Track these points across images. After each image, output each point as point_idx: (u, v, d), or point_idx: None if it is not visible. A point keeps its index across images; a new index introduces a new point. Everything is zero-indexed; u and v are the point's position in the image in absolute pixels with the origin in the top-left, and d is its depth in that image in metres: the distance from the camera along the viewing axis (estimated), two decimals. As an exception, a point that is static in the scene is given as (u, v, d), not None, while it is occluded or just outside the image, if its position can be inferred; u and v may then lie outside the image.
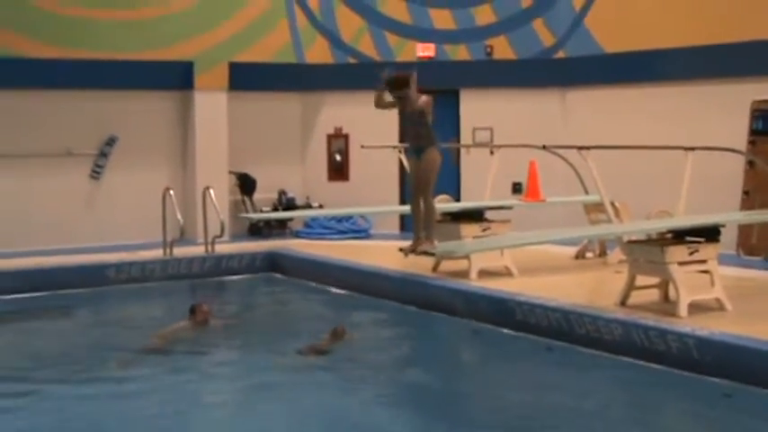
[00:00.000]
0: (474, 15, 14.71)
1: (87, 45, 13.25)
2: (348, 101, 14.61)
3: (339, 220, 14.32)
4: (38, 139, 13.09)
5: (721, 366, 7.09)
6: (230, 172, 14.23)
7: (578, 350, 8.06)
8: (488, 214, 11.03)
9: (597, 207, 10.75)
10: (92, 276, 11.34)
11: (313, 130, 15.20)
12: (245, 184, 14.41)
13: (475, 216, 10.90)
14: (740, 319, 7.99)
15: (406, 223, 14.24)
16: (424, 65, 14.56)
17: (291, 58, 14.82)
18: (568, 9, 14.14)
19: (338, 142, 15.08)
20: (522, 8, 14.52)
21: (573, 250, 11.69)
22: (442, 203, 11.24)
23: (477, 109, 14.54)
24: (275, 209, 14.56)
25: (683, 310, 8.05)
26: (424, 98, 9.96)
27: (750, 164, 11.59)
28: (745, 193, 11.87)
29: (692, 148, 9.10)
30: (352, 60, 15.00)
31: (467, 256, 10.22)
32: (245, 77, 14.20)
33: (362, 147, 13.08)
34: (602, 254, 11.54)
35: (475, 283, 9.90)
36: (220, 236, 12.18)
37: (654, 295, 8.69)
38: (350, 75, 14.80)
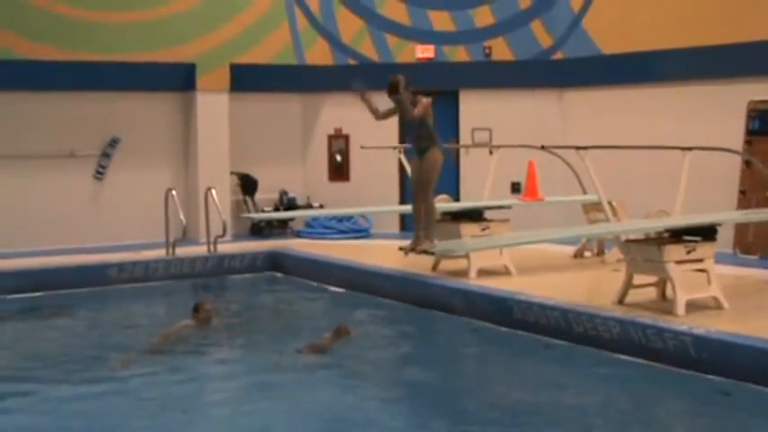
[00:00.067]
0: (473, 17, 14.78)
1: (90, 47, 13.33)
2: (348, 102, 14.52)
3: (340, 219, 14.39)
4: (41, 141, 13.18)
5: (718, 364, 7.12)
6: (232, 172, 14.30)
7: (576, 348, 8.10)
8: (487, 214, 11.08)
9: (595, 206, 10.79)
10: (95, 276, 11.40)
11: (313, 131, 15.27)
12: (247, 185, 14.48)
13: (474, 215, 10.95)
14: (737, 318, 8.05)
15: (406, 223, 14.32)
16: (424, 66, 14.67)
17: (292, 60, 14.89)
18: (566, 11, 14.21)
19: (338, 143, 15.15)
20: (520, 10, 14.58)
21: (571, 249, 11.75)
22: (442, 203, 11.30)
23: (476, 110, 14.60)
24: (276, 209, 14.64)
25: (680, 308, 8.10)
26: (423, 102, 10.04)
27: (747, 163, 11.67)
28: (742, 192, 11.95)
29: (690, 148, 9.15)
30: (352, 62, 15.07)
31: (466, 255, 10.27)
32: (247, 79, 14.28)
33: (362, 147, 13.17)
34: (601, 253, 11.60)
35: (474, 282, 9.95)
36: (222, 236, 12.24)
37: (651, 294, 8.75)
38: (350, 76, 14.80)
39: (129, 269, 11.63)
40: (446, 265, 10.69)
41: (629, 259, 8.62)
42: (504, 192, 13.38)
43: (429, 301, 9.91)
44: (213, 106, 14.02)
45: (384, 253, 11.96)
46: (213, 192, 12.44)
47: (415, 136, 10.23)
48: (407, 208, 11.37)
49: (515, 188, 13.79)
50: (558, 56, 14.39)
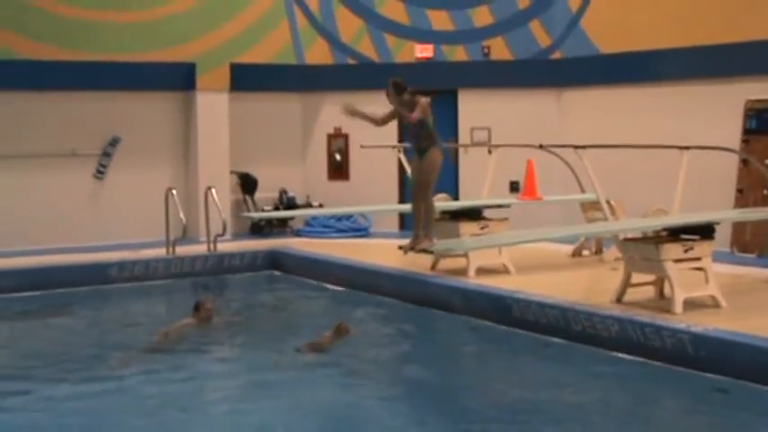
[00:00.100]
0: (472, 16, 14.80)
1: (90, 47, 13.36)
2: (348, 101, 14.69)
3: (339, 218, 14.41)
4: (42, 140, 13.20)
5: (716, 362, 7.14)
6: (232, 172, 14.33)
7: (575, 346, 8.12)
8: (486, 213, 11.11)
9: (593, 205, 10.78)
10: (95, 275, 11.43)
11: (313, 130, 15.30)
12: (247, 184, 14.51)
13: (473, 214, 10.97)
14: (734, 316, 8.07)
15: (405, 222, 14.34)
16: (423, 65, 14.70)
17: (292, 59, 14.93)
18: (565, 10, 14.23)
19: (338, 142, 15.17)
20: (519, 9, 14.60)
21: (570, 248, 11.76)
22: (441, 202, 11.33)
23: (474, 109, 14.61)
24: (276, 208, 14.66)
25: (678, 306, 8.12)
26: (422, 102, 10.06)
27: (744, 162, 11.70)
28: (739, 191, 11.98)
29: (687, 147, 9.15)
30: (351, 61, 15.10)
31: (465, 254, 10.30)
32: (247, 78, 14.31)
33: (362, 146, 13.19)
34: (599, 251, 11.63)
35: (473, 281, 9.97)
36: (222, 234, 12.27)
37: (649, 292, 8.76)
38: (349, 75, 14.91)
39: (130, 268, 11.66)
40: (445, 263, 10.71)
41: (628, 258, 8.64)
42: (502, 191, 13.38)
43: (428, 299, 9.93)
44: (213, 106, 14.05)
45: (383, 252, 11.99)
46: (213, 191, 12.46)
47: (415, 136, 10.27)
48: (407, 207, 11.40)
49: (514, 187, 13.81)
50: (557, 55, 14.41)
